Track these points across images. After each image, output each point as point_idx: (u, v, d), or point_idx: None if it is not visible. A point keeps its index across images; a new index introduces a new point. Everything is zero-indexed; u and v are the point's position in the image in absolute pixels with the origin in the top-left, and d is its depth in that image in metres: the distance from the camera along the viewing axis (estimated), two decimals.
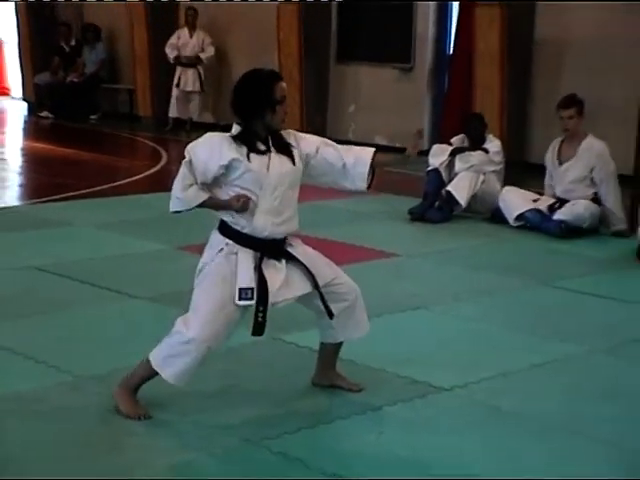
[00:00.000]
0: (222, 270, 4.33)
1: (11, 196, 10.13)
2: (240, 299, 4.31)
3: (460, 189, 8.86)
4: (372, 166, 4.56)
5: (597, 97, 10.64)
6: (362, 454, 4.17)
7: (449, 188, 8.90)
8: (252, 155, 4.32)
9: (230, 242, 4.37)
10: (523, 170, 10.42)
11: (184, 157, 4.37)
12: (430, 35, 12.81)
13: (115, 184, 10.35)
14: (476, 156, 8.95)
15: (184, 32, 14.70)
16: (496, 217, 8.82)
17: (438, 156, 9.04)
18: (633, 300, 6.57)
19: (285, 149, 4.42)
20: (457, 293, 6.63)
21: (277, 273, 4.40)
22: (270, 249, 4.41)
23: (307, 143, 4.52)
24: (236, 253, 4.35)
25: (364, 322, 4.68)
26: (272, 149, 4.37)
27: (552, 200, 8.60)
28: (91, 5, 16.61)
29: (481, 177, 8.93)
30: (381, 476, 3.92)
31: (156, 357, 4.35)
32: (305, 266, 4.45)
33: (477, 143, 9.05)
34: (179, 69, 14.68)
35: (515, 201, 8.69)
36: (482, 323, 5.99)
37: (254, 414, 4.46)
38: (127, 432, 4.25)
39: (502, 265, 7.45)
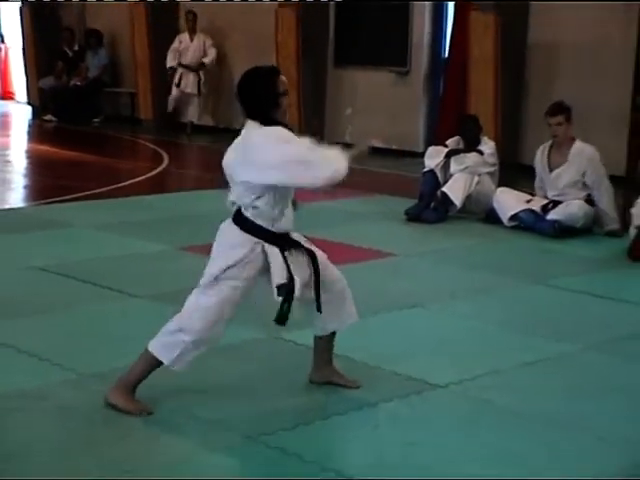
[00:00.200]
0: (251, 270, 4.33)
1: (16, 198, 10.13)
2: (279, 295, 4.35)
3: (455, 190, 8.86)
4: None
5: (589, 100, 10.66)
6: (358, 449, 4.17)
7: (444, 189, 8.90)
8: None
9: (258, 240, 4.35)
10: (517, 171, 10.42)
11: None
12: (426, 40, 12.82)
13: (117, 186, 10.34)
14: (471, 158, 8.95)
15: (185, 36, 14.71)
16: (490, 217, 8.82)
17: (434, 158, 9.06)
18: (626, 298, 6.57)
19: None
20: (453, 292, 6.63)
21: (301, 267, 4.41)
22: (288, 242, 4.43)
23: None
24: (264, 251, 4.35)
25: (352, 311, 4.67)
26: None
27: (545, 200, 8.60)
28: (93, 11, 16.62)
29: (476, 178, 8.94)
30: (377, 471, 3.91)
31: (155, 346, 4.37)
32: (311, 254, 4.46)
33: (472, 145, 9.06)
34: (180, 70, 14.68)
35: (509, 202, 8.69)
36: (477, 321, 5.99)
37: (253, 410, 4.46)
38: (128, 428, 4.24)
39: (497, 264, 7.45)
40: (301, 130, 11.98)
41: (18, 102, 18.70)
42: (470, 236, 8.43)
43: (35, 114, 16.86)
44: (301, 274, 4.40)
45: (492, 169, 9.07)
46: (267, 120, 4.30)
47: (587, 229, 8.48)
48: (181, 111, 15.02)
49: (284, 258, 4.36)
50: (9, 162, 12.48)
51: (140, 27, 15.16)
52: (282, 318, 4.42)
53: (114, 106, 16.26)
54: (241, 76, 4.42)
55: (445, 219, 8.91)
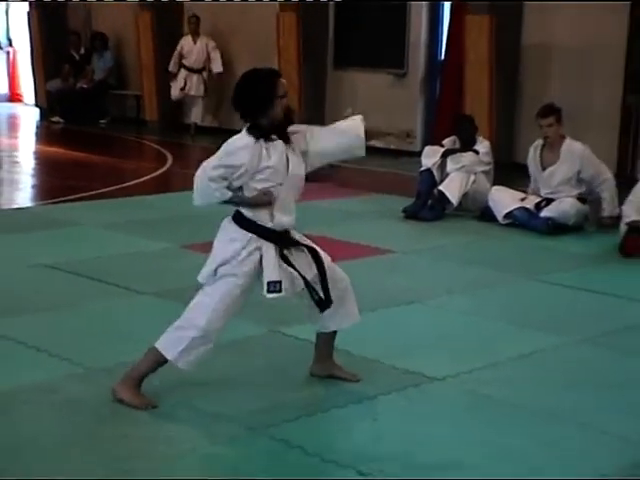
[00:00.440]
0: (247, 265, 4.33)
1: (24, 197, 10.14)
2: (269, 292, 4.33)
3: (452, 188, 8.87)
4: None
5: (581, 100, 10.67)
6: (358, 441, 4.18)
7: (441, 187, 8.91)
8: (271, 150, 4.32)
9: (254, 236, 4.34)
10: (511, 170, 10.42)
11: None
12: (423, 42, 12.83)
13: (123, 186, 10.34)
14: (467, 157, 8.96)
15: (188, 40, 14.70)
16: (486, 215, 8.83)
17: (430, 157, 9.06)
18: (617, 293, 6.57)
19: (289, 142, 4.41)
20: (450, 287, 6.63)
21: (304, 266, 4.42)
22: (286, 240, 4.43)
23: (296, 138, 4.49)
24: (259, 247, 4.35)
25: (354, 311, 4.67)
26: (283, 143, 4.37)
27: (539, 198, 8.62)
28: (99, 14, 16.61)
29: (472, 177, 8.94)
30: (376, 461, 3.92)
31: (161, 343, 4.38)
32: (314, 252, 4.46)
33: (468, 145, 9.06)
34: (184, 73, 14.68)
35: (504, 200, 8.70)
36: (474, 316, 6.00)
37: (256, 403, 4.47)
38: (134, 421, 4.26)
39: (492, 261, 7.45)
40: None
41: (26, 104, 18.69)
42: (466, 233, 8.43)
43: (43, 116, 16.85)
44: (305, 272, 4.41)
45: (487, 168, 9.08)
46: (253, 125, 4.31)
47: (579, 226, 8.51)
48: (185, 112, 15.03)
49: (281, 256, 4.36)
50: (17, 163, 12.47)
51: (145, 31, 15.16)
52: (324, 305, 4.45)
53: (120, 108, 16.25)
54: (240, 77, 4.41)
55: (442, 217, 8.91)
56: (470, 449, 4.07)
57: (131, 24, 15.44)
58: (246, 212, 4.35)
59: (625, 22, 9.89)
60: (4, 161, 12.34)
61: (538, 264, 7.39)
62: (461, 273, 7.07)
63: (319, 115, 13.45)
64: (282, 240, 4.40)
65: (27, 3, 17.17)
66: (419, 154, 9.51)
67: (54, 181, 10.98)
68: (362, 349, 5.12)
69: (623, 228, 7.68)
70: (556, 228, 8.31)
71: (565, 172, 8.47)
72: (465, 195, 8.94)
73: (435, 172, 9.00)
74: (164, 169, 11.63)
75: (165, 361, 4.39)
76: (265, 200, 4.31)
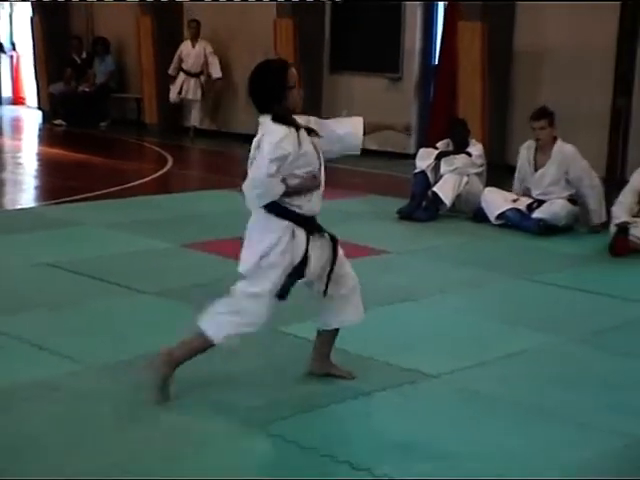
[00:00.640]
0: (288, 252, 4.32)
1: (27, 198, 10.12)
2: (289, 276, 4.36)
3: (445, 190, 8.86)
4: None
5: (571, 103, 10.67)
6: (354, 436, 4.17)
7: (435, 189, 8.90)
8: (301, 137, 4.30)
9: (291, 224, 4.33)
10: (503, 172, 10.40)
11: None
12: (417, 47, 12.84)
13: (124, 186, 10.32)
14: (460, 159, 8.95)
15: (187, 44, 14.69)
16: (478, 216, 8.82)
17: (425, 159, 9.05)
18: (608, 292, 6.56)
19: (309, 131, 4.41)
20: (443, 287, 6.62)
21: (320, 251, 4.42)
22: (314, 226, 4.43)
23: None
24: (294, 234, 4.34)
25: (358, 311, 4.66)
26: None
27: (530, 200, 8.61)
28: (101, 19, 16.60)
29: (465, 179, 8.94)
30: (372, 456, 3.91)
31: (207, 325, 4.36)
32: (334, 241, 4.47)
33: (461, 147, 9.06)
34: (182, 76, 14.67)
35: (496, 201, 8.70)
36: (468, 314, 5.99)
37: (253, 399, 4.45)
38: (133, 417, 4.25)
39: (485, 261, 7.44)
40: None
41: (29, 107, 18.69)
42: (459, 234, 8.43)
43: (45, 118, 16.85)
44: (319, 258, 4.41)
45: (480, 170, 9.08)
46: (277, 115, 4.27)
47: (570, 227, 8.51)
48: (184, 115, 15.03)
49: (307, 240, 4.36)
50: (21, 164, 12.45)
51: (146, 35, 15.15)
52: (283, 292, 4.40)
53: (120, 111, 16.24)
54: (253, 69, 4.38)
55: (436, 218, 8.91)
56: (464, 445, 4.05)
57: (132, 29, 15.42)
58: (283, 201, 4.32)
59: (614, 25, 9.89)
60: (8, 162, 12.33)
61: (530, 264, 7.38)
62: (454, 273, 7.06)
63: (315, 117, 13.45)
64: (310, 225, 4.40)
65: (30, 8, 17.15)
66: (413, 156, 9.51)
67: (56, 182, 10.96)
68: (357, 347, 5.10)
69: (613, 229, 7.68)
70: (547, 229, 8.31)
71: (554, 173, 8.47)
72: (458, 196, 8.93)
73: (429, 174, 9.00)
74: (164, 170, 11.62)
75: (209, 346, 4.38)
76: (315, 184, 4.33)
